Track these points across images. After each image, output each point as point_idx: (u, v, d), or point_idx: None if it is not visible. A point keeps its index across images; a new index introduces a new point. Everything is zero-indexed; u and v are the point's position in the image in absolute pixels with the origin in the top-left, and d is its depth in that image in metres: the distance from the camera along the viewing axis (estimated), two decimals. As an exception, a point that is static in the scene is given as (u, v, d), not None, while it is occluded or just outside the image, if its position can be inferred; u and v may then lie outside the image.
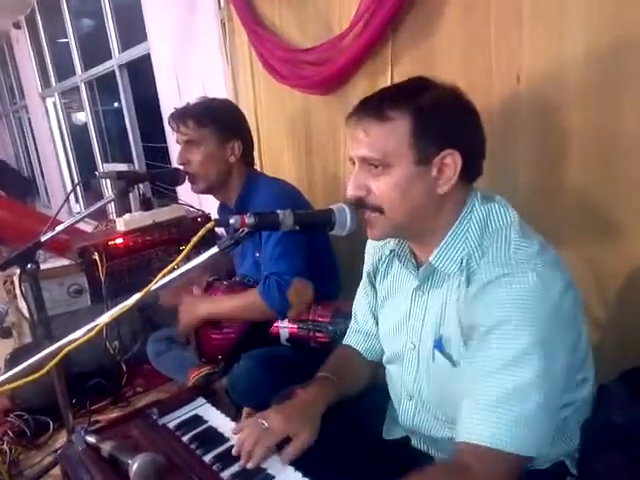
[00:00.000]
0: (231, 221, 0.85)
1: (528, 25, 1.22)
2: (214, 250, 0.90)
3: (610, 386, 0.97)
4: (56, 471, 1.47)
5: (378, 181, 0.87)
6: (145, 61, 3.46)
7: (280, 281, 1.40)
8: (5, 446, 1.57)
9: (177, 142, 1.57)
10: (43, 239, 1.40)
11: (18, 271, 1.46)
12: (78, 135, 5.95)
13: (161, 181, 1.61)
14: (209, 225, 0.85)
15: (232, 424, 1.09)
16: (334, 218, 0.91)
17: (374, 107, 0.87)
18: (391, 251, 1.03)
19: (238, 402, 1.35)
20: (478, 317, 0.82)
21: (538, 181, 1.28)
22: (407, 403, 1.04)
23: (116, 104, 5.38)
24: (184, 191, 2.77)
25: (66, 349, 0.91)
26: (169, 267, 0.85)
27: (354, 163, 0.92)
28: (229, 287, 1.62)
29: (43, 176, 7.31)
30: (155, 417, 1.13)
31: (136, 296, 0.89)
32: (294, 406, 1.01)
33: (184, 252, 0.83)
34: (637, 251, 1.12)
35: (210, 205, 2.39)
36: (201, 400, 1.21)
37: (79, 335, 0.93)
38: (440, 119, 0.86)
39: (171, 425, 1.11)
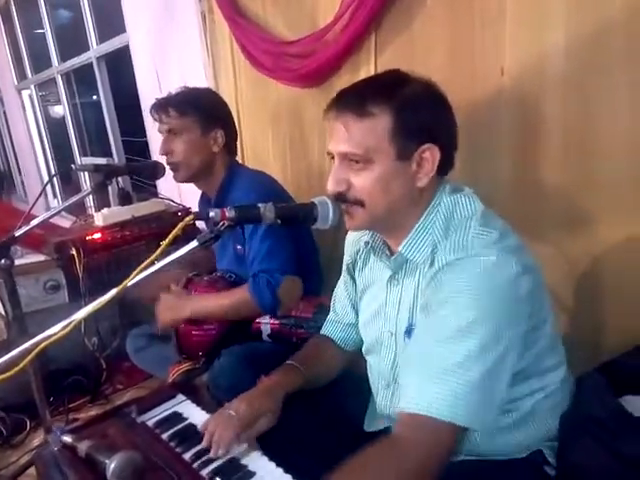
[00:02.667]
0: (211, 214, 0.84)
1: (511, 17, 1.22)
2: (193, 244, 0.88)
3: (588, 378, 0.99)
4: (32, 471, 1.43)
5: (359, 176, 0.88)
6: (124, 53, 3.40)
7: (270, 279, 1.39)
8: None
9: (159, 132, 1.54)
10: (17, 234, 1.36)
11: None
12: (56, 129, 5.81)
13: (140, 174, 1.58)
14: (188, 218, 0.84)
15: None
16: (316, 212, 0.90)
17: (354, 102, 0.87)
18: (366, 243, 1.04)
19: (219, 398, 1.33)
20: (431, 296, 0.85)
21: (519, 173, 1.29)
22: (384, 391, 1.05)
23: (95, 97, 5.28)
24: (164, 185, 2.73)
25: (42, 345, 0.89)
26: (147, 261, 0.83)
27: (333, 157, 0.92)
28: (210, 283, 1.60)
29: (20, 171, 7.14)
30: (134, 415, 1.11)
31: (113, 291, 0.87)
32: (257, 391, 1.05)
33: (162, 246, 0.81)
34: (610, 240, 1.14)
35: (191, 199, 2.36)
36: (181, 397, 1.20)
37: (55, 331, 0.90)
38: (420, 114, 0.87)
39: (150, 423, 1.09)
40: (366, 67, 1.62)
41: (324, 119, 0.92)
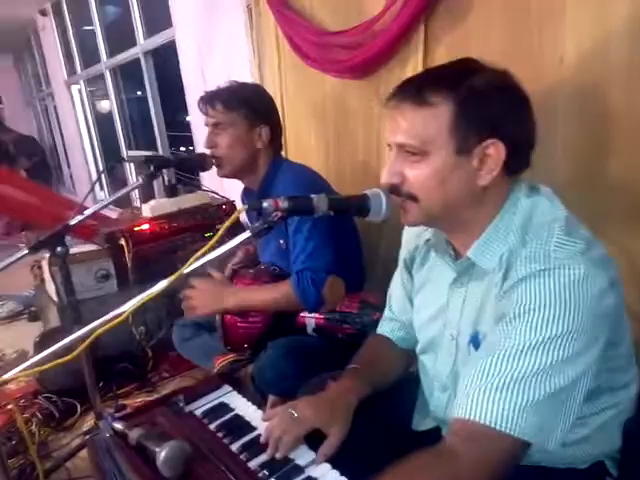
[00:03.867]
0: (264, 204, 0.83)
1: (572, 3, 1.16)
2: (246, 235, 0.88)
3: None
4: (84, 454, 1.48)
5: (414, 169, 0.84)
6: (170, 48, 3.46)
7: (315, 278, 1.39)
8: (34, 427, 1.59)
9: (205, 125, 1.55)
10: (72, 223, 1.39)
11: (47, 255, 1.47)
12: (103, 123, 6.01)
13: (188, 166, 1.60)
14: (241, 208, 0.83)
15: (259, 412, 1.08)
16: (369, 204, 0.88)
17: (414, 91, 0.83)
18: (427, 240, 1.00)
19: (264, 390, 1.34)
20: (508, 307, 0.78)
21: (578, 168, 1.23)
22: (439, 394, 1.01)
23: (139, 92, 5.41)
24: (208, 178, 2.77)
25: (96, 332, 0.91)
26: (201, 251, 0.83)
27: (391, 149, 0.88)
28: (255, 276, 1.61)
29: (68, 163, 7.41)
30: (181, 404, 1.12)
31: (166, 281, 0.88)
32: (326, 398, 0.99)
33: (217, 235, 0.81)
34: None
35: (234, 192, 2.38)
36: (227, 388, 1.20)
37: (109, 318, 0.92)
38: (485, 106, 0.81)
39: (198, 413, 1.10)
40: (414, 59, 1.58)
41: (385, 109, 0.88)
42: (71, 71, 5.97)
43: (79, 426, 1.69)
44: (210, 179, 2.63)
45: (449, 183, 0.82)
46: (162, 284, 0.89)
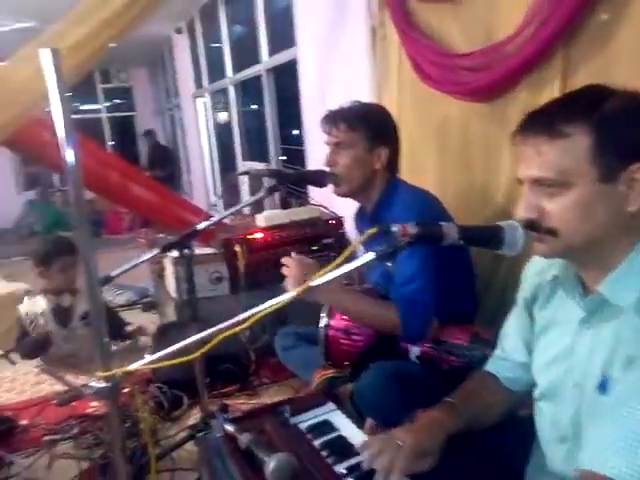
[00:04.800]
0: (393, 229, 0.83)
1: None
2: (370, 256, 0.88)
3: None
4: (189, 446, 1.56)
5: (553, 202, 0.80)
6: (290, 66, 3.62)
7: (424, 313, 1.38)
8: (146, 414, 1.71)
9: (327, 144, 1.59)
10: (200, 227, 1.50)
11: (171, 254, 1.59)
12: (220, 133, 6.43)
13: (309, 181, 1.65)
14: (371, 231, 0.84)
15: (361, 436, 1.07)
16: (503, 236, 0.84)
17: (545, 122, 0.80)
18: (554, 277, 0.94)
19: (362, 412, 1.33)
20: (637, 349, 0.73)
21: None
22: (557, 446, 0.94)
23: (255, 106, 5.72)
24: (316, 192, 2.83)
25: (219, 336, 0.95)
26: (330, 267, 0.85)
27: (522, 183, 0.85)
28: (363, 292, 1.61)
29: (188, 170, 8.00)
30: (287, 415, 1.14)
31: (293, 292, 0.90)
32: (420, 426, 0.98)
33: (343, 254, 0.82)
34: None
35: (342, 208, 2.41)
36: (331, 405, 1.21)
37: (231, 323, 0.96)
38: (625, 130, 0.77)
39: (302, 427, 1.12)
40: (550, 87, 1.49)
41: (512, 144, 0.85)
42: (198, 85, 6.47)
43: (185, 418, 1.79)
44: (320, 193, 2.69)
45: (594, 213, 0.78)
46: (288, 295, 0.91)
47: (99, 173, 2.21)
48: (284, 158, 4.41)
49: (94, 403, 1.89)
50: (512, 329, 1.10)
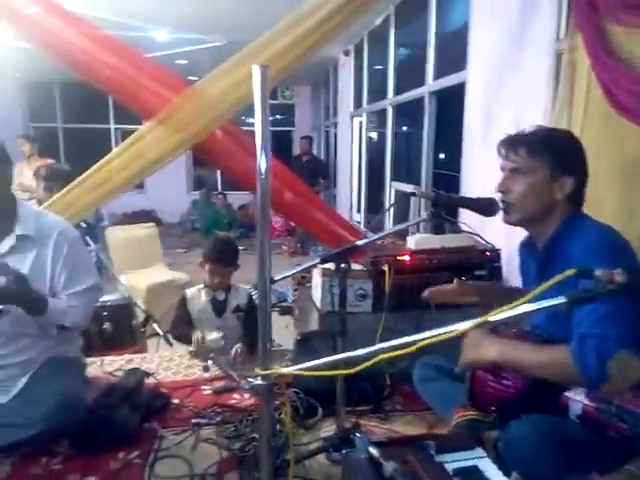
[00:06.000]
0: (597, 273, 0.74)
1: None
2: (560, 300, 0.79)
3: None
4: (320, 458, 1.57)
5: None
6: (453, 89, 3.54)
7: (601, 347, 1.19)
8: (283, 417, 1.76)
9: (502, 169, 1.50)
10: (359, 244, 1.51)
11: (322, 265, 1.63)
12: (370, 153, 6.55)
13: (475, 208, 1.57)
14: (570, 272, 0.75)
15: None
16: None
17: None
18: None
19: (509, 464, 1.22)
20: None
21: None
22: None
23: (404, 127, 5.72)
24: (469, 219, 2.71)
25: (382, 356, 0.94)
26: (511, 305, 0.78)
27: None
28: (519, 334, 1.48)
29: (335, 185, 8.27)
30: (432, 452, 1.09)
31: (469, 323, 0.85)
32: None
33: (536, 291, 0.75)
34: None
35: (497, 239, 2.27)
36: (480, 452, 1.13)
37: (397, 344, 0.94)
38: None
39: (449, 468, 1.06)
40: None
41: None
42: (357, 104, 6.67)
43: (317, 428, 1.80)
44: (472, 220, 2.57)
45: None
46: (464, 325, 0.86)
47: (278, 189, 2.35)
48: (435, 182, 4.33)
49: (236, 395, 2.01)
50: None
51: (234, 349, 2.31)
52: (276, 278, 1.42)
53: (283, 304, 4.20)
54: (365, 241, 1.53)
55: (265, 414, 1.17)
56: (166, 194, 9.13)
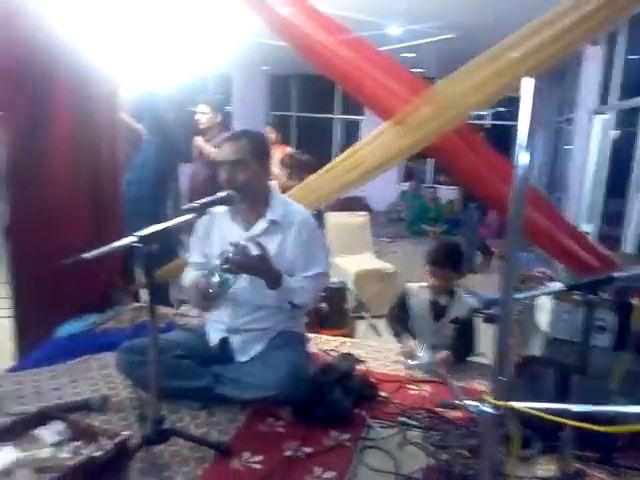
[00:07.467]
0: None
1: None
2: None
3: None
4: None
5: None
6: None
7: None
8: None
9: None
10: (617, 276, 1.32)
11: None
12: (612, 156, 5.70)
13: None
14: None
15: None
16: None
17: None
18: None
19: None
20: None
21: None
22: None
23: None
24: None
25: None
26: None
27: None
28: None
29: (561, 188, 7.46)
30: None
31: None
32: None
33: None
34: None
35: None
36: None
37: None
38: None
39: None
40: None
41: None
42: (602, 100, 5.86)
43: (533, 462, 1.65)
44: None
45: None
46: None
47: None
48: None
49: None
50: None
51: (442, 354, 2.28)
52: (516, 296, 1.33)
53: (489, 311, 3.98)
54: (624, 275, 1.32)
55: (489, 443, 1.13)
56: (377, 183, 9.31)
